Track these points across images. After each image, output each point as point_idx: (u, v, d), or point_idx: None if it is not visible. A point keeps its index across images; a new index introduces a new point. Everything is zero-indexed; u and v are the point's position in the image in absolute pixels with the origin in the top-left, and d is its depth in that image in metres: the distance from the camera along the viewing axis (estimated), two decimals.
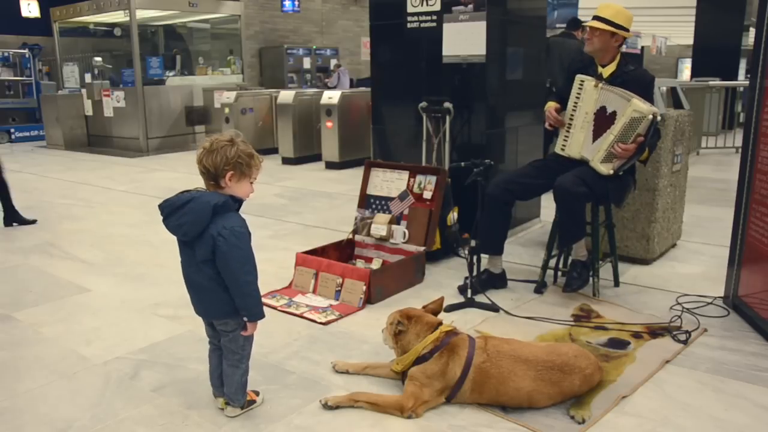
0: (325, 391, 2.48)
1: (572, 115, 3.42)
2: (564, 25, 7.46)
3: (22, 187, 7.35)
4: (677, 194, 4.26)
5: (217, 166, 2.10)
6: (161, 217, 2.15)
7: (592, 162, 3.28)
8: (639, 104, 3.12)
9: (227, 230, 2.09)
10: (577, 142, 3.41)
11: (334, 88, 11.54)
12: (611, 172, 3.25)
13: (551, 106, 3.53)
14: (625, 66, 3.35)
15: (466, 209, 4.08)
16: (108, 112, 10.72)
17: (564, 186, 3.20)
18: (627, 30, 3.28)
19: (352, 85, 12.52)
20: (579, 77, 3.39)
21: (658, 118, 3.19)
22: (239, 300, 2.16)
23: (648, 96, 3.24)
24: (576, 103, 3.40)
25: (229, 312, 2.20)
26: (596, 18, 3.29)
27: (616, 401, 2.37)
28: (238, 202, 2.19)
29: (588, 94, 3.35)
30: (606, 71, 3.36)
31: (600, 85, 3.30)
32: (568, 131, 3.45)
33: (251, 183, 2.22)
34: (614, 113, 3.23)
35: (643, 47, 25.26)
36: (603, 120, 3.29)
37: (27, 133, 12.32)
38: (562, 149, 3.48)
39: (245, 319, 2.20)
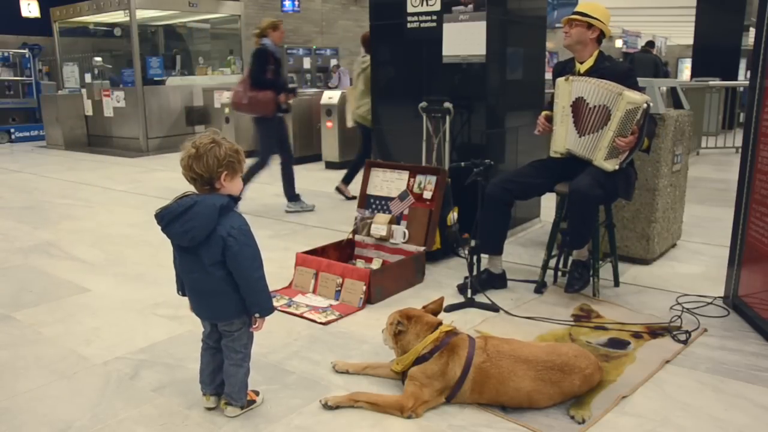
0: (325, 391, 2.48)
1: (554, 113, 3.48)
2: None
3: (22, 187, 7.36)
4: (677, 194, 4.26)
5: (211, 169, 2.09)
6: (160, 226, 2.13)
7: (596, 161, 3.28)
8: (631, 96, 3.13)
9: (236, 230, 2.11)
10: (560, 137, 3.44)
11: (335, 87, 11.54)
12: (617, 167, 3.25)
13: (542, 114, 3.60)
14: (602, 62, 3.41)
15: (466, 209, 4.08)
16: (108, 112, 10.72)
17: (582, 190, 3.19)
18: (603, 23, 3.36)
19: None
20: (556, 81, 3.46)
21: (652, 104, 3.21)
22: (251, 297, 2.17)
23: (629, 86, 3.25)
24: (556, 101, 3.46)
25: (237, 312, 2.21)
26: (573, 13, 3.38)
27: (616, 401, 2.37)
28: (236, 200, 2.19)
29: (562, 90, 3.41)
30: (583, 67, 3.42)
31: (570, 78, 3.36)
32: (553, 129, 3.50)
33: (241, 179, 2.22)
34: (604, 107, 3.21)
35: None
36: (585, 112, 3.29)
37: (27, 133, 12.32)
38: (552, 149, 3.51)
39: (257, 315, 2.21)
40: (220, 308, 2.21)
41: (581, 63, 3.43)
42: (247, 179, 5.61)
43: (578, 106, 3.32)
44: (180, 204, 2.09)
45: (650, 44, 13.01)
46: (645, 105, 3.13)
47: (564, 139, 3.42)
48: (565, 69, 3.52)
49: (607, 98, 3.21)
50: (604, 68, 3.36)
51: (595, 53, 3.41)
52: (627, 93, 3.14)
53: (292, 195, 5.78)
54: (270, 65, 5.44)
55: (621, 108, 3.15)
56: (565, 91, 3.38)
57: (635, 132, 3.17)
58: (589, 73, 3.37)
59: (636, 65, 8.28)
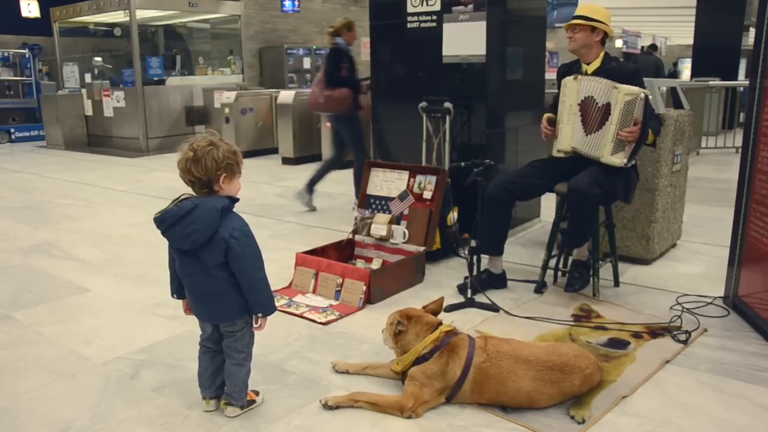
0: (325, 391, 2.48)
1: (560, 112, 3.47)
2: (561, 24, 8.08)
3: (22, 187, 7.36)
4: (677, 194, 4.26)
5: (210, 172, 2.08)
6: (160, 230, 2.12)
7: (603, 158, 3.27)
8: (628, 88, 3.17)
9: (237, 231, 2.11)
10: (566, 135, 3.43)
11: None
12: (625, 160, 3.23)
13: (545, 117, 3.59)
14: (608, 62, 3.42)
15: (466, 209, 4.08)
16: (108, 112, 10.72)
17: (580, 188, 3.19)
18: (606, 24, 3.37)
19: None
20: (563, 81, 3.46)
21: (650, 96, 3.22)
22: (254, 297, 2.17)
23: (635, 85, 3.26)
24: (562, 100, 3.45)
25: (239, 312, 2.21)
26: (574, 18, 3.39)
27: (616, 401, 2.37)
28: (234, 201, 2.19)
29: (569, 89, 3.41)
30: (590, 68, 3.43)
31: (579, 77, 3.36)
32: (558, 128, 3.49)
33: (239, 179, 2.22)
34: (608, 105, 3.24)
35: (643, 47, 25.27)
36: (593, 110, 3.29)
37: (27, 133, 12.32)
38: (556, 148, 3.50)
39: (259, 315, 2.21)
40: (223, 309, 2.21)
41: (587, 64, 3.43)
42: (357, 184, 5.63)
43: (587, 105, 3.32)
44: (180, 207, 2.07)
45: (653, 47, 13.66)
46: (642, 95, 3.15)
47: (570, 137, 3.41)
48: (570, 71, 3.51)
49: (607, 94, 3.23)
50: (611, 68, 3.37)
51: (601, 54, 3.41)
52: (623, 86, 3.17)
53: (311, 187, 5.78)
54: (344, 63, 5.52)
55: (620, 100, 3.17)
56: (573, 90, 3.38)
57: (637, 123, 3.18)
58: (596, 73, 3.37)
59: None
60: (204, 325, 2.31)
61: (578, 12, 3.39)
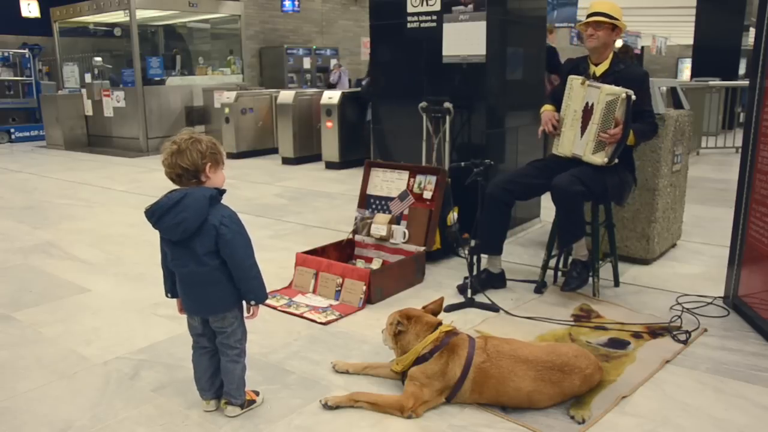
0: (325, 391, 2.48)
1: (564, 115, 3.46)
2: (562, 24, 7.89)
3: (22, 187, 7.36)
4: (677, 194, 4.26)
5: (196, 162, 2.14)
6: (151, 222, 2.14)
7: (585, 157, 3.28)
8: (610, 88, 3.17)
9: (227, 218, 2.16)
10: (568, 141, 3.42)
11: (335, 85, 11.53)
12: (605, 160, 3.23)
13: (548, 109, 3.55)
14: (617, 65, 3.38)
15: (466, 209, 4.08)
16: (108, 112, 10.72)
17: (561, 185, 3.20)
18: (624, 24, 3.35)
19: (351, 85, 12.52)
20: (570, 77, 3.42)
21: (633, 97, 3.18)
22: (246, 284, 2.21)
23: (642, 91, 3.25)
24: (567, 102, 3.43)
25: (230, 304, 2.23)
26: (595, 14, 3.31)
27: (616, 401, 2.37)
28: (221, 192, 2.22)
29: (576, 93, 3.38)
30: (599, 70, 3.40)
31: (587, 82, 3.33)
32: (561, 131, 3.48)
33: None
34: (593, 105, 3.24)
35: (643, 47, 25.29)
36: (589, 115, 3.30)
37: (27, 133, 12.32)
38: (557, 149, 3.50)
39: (252, 303, 2.24)
40: (214, 300, 2.22)
41: (596, 65, 3.40)
42: None
43: (586, 112, 3.32)
44: (170, 198, 2.12)
45: (626, 48, 15.57)
46: (624, 95, 3.13)
47: (572, 143, 3.39)
48: (577, 68, 3.47)
49: (593, 95, 3.23)
50: (619, 71, 3.33)
51: (611, 55, 3.38)
52: (605, 86, 3.17)
53: None
54: None
55: (601, 100, 3.18)
56: (579, 95, 3.34)
57: (618, 123, 3.16)
58: (604, 76, 3.35)
59: None
60: (192, 321, 2.30)
61: (598, 8, 3.30)
